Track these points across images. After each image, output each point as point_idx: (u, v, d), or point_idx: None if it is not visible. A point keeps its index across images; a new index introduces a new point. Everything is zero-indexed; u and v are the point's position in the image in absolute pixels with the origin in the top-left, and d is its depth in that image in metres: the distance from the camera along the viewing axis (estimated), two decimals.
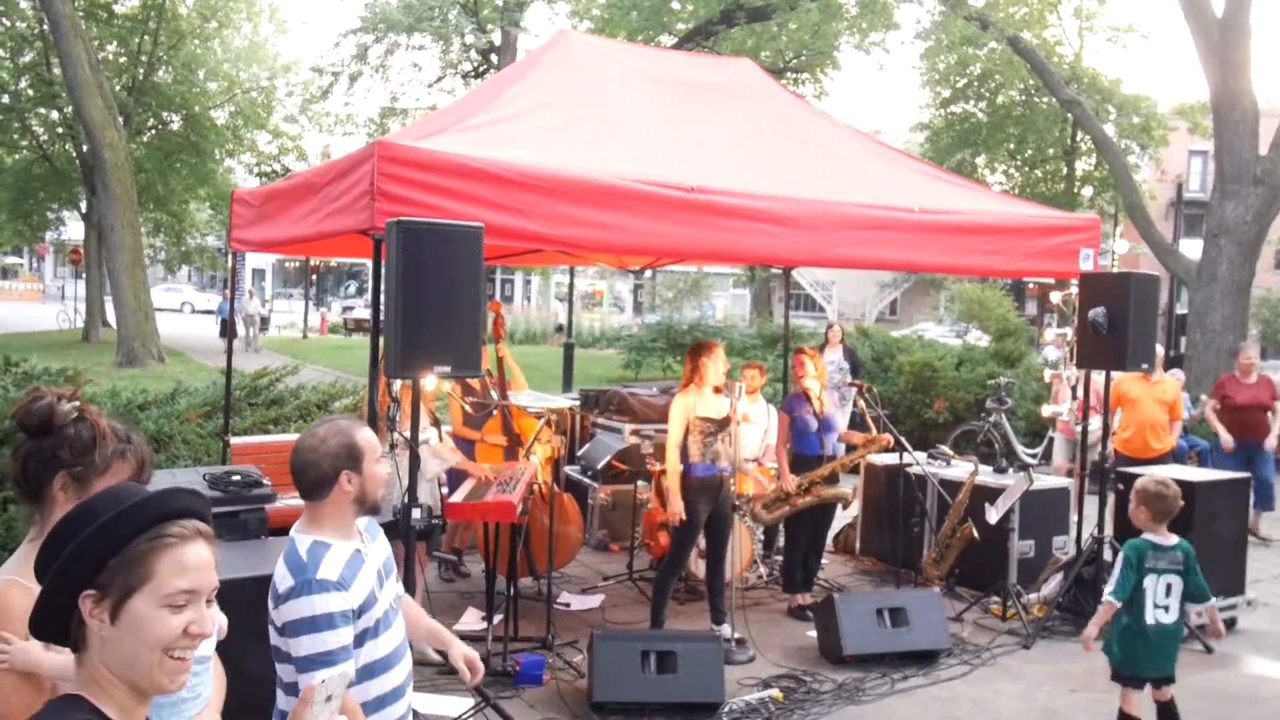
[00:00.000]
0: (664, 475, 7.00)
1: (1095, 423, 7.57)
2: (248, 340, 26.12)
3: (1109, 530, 6.70)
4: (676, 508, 5.82)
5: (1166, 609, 4.51)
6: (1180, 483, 6.57)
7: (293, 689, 2.58)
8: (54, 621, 1.58)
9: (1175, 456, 10.99)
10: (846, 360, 11.63)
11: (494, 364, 6.78)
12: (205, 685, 2.36)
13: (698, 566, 6.61)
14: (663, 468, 7.07)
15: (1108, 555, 6.67)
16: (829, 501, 6.63)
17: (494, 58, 22.35)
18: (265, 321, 28.73)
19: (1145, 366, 6.68)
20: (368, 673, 2.59)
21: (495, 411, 6.83)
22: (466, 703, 4.74)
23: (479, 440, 6.73)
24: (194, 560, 1.60)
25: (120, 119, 20.85)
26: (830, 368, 11.45)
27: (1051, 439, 11.94)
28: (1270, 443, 9.19)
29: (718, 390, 5.95)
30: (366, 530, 2.77)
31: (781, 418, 6.73)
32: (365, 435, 2.69)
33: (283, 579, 2.53)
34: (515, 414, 6.82)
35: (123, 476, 2.16)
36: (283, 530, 2.76)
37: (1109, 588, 4.52)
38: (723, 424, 5.91)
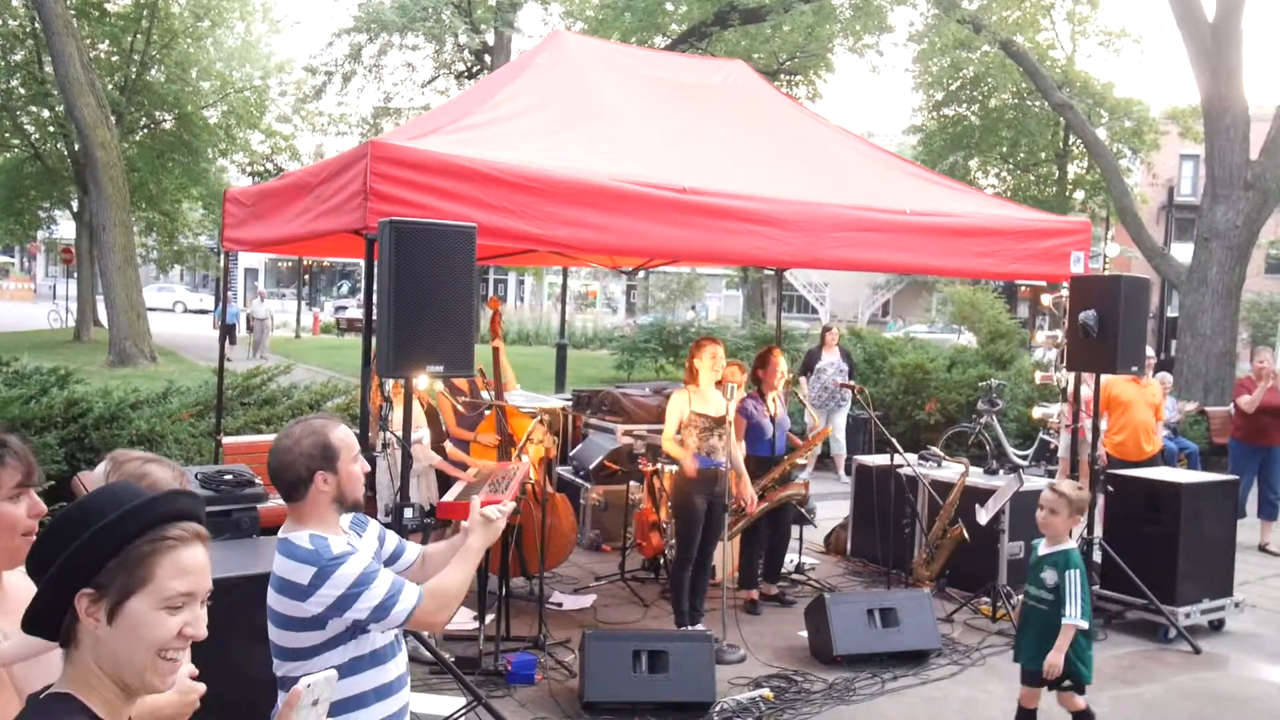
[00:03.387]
0: (656, 476, 7.04)
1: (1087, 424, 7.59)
2: (255, 345, 25.31)
3: (1099, 531, 6.74)
4: (748, 494, 6.35)
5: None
6: (1168, 484, 6.68)
7: (294, 683, 2.59)
8: (48, 618, 1.59)
9: (1165, 459, 11.06)
10: (845, 362, 11.67)
11: (489, 361, 6.79)
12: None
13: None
14: (655, 468, 7.11)
15: (1097, 556, 6.72)
16: (784, 503, 6.78)
17: (487, 58, 22.35)
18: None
19: (1134, 369, 6.71)
20: (370, 661, 2.61)
21: (488, 412, 6.84)
22: (458, 701, 4.75)
23: (473, 440, 6.74)
24: (192, 563, 1.61)
25: (112, 118, 20.78)
26: (830, 369, 11.51)
27: (1043, 440, 12.00)
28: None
29: (720, 384, 6.03)
30: (353, 526, 2.80)
31: (738, 420, 6.73)
32: (340, 434, 2.68)
33: (298, 573, 2.52)
34: (510, 414, 6.82)
35: (11, 483, 2.08)
36: (274, 530, 2.77)
37: (1075, 610, 4.33)
38: (719, 421, 5.99)
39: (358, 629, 2.56)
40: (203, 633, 1.63)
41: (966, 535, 6.70)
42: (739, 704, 5.10)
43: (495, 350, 6.77)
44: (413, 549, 2.94)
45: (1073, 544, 4.49)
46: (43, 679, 2.21)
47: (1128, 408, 8.28)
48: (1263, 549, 9.06)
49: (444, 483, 6.22)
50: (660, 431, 8.11)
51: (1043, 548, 4.54)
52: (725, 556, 6.39)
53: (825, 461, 12.18)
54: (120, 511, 1.59)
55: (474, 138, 5.26)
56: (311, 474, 2.61)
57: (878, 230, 5.93)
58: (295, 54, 60.43)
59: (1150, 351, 8.72)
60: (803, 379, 11.45)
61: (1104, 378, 7.97)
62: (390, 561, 2.84)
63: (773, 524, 6.91)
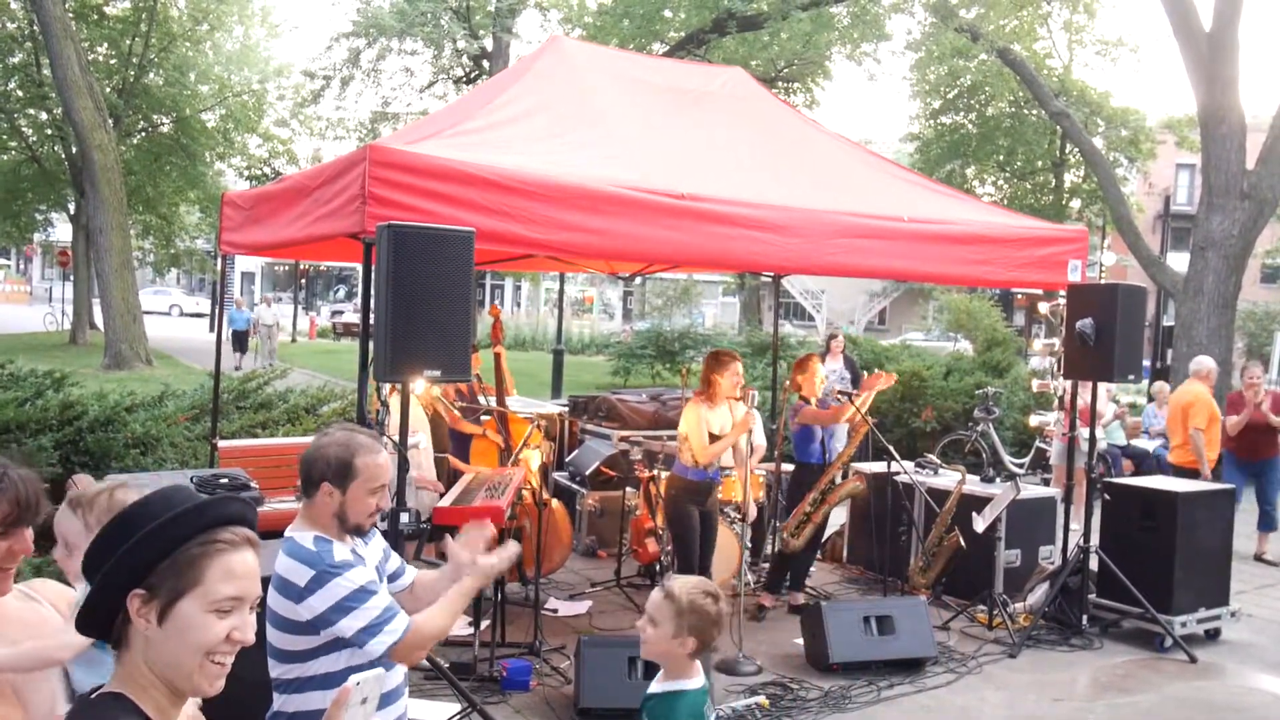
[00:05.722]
0: (653, 482, 7.03)
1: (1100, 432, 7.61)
2: (262, 351, 24.42)
3: (1095, 540, 6.74)
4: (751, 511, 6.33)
5: None
6: (1165, 493, 6.68)
7: (289, 685, 2.58)
8: (100, 618, 1.61)
9: (1161, 467, 11.07)
10: (847, 370, 11.70)
11: (491, 367, 6.81)
12: None
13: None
14: (651, 474, 7.10)
15: (1094, 565, 6.71)
16: (845, 499, 6.85)
17: (486, 64, 22.36)
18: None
19: (1130, 378, 6.70)
20: (368, 669, 2.59)
21: (485, 418, 6.84)
22: (453, 707, 4.73)
23: (479, 435, 6.75)
24: (242, 568, 1.63)
25: (110, 121, 20.75)
26: (832, 376, 11.54)
27: (1039, 449, 12.01)
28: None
29: (734, 398, 6.04)
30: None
31: (809, 412, 6.82)
32: (368, 461, 2.63)
33: (297, 574, 2.52)
34: (510, 419, 6.83)
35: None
36: (269, 535, 2.76)
37: None
38: (720, 439, 6.01)
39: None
40: (250, 638, 1.64)
41: (963, 543, 6.69)
42: (734, 711, 5.09)
43: (497, 356, 6.80)
44: (409, 574, 2.93)
45: (695, 680, 2.79)
46: (40, 691, 2.20)
47: (1218, 421, 8.59)
48: (1259, 559, 9.06)
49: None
50: (656, 437, 8.16)
51: (657, 680, 2.83)
52: (723, 561, 6.38)
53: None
54: (172, 514, 1.61)
55: (472, 142, 5.26)
56: (320, 481, 2.62)
57: (875, 237, 5.94)
58: (293, 58, 60.46)
59: (1212, 363, 8.98)
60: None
61: (1200, 392, 8.33)
62: (390, 579, 2.84)
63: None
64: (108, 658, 1.67)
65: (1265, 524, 9.16)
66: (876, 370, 7.04)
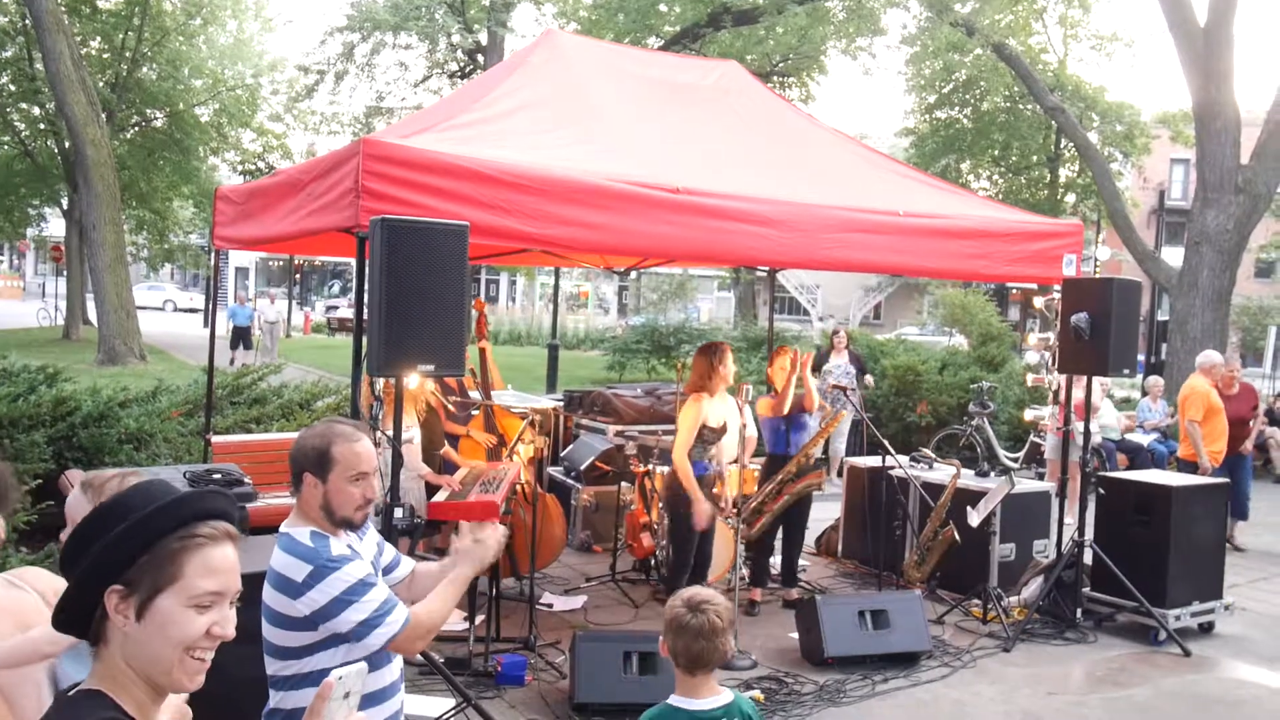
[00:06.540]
0: (647, 476, 7.03)
1: (1092, 424, 7.60)
2: (266, 349, 23.64)
3: (1089, 534, 6.75)
4: (703, 510, 5.91)
5: None
6: (1159, 487, 6.69)
7: (286, 683, 2.57)
8: (78, 615, 1.59)
9: (1155, 461, 11.10)
10: (853, 365, 11.70)
11: (476, 362, 6.79)
12: None
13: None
14: (646, 469, 7.10)
15: (1088, 559, 6.73)
16: (803, 494, 6.73)
17: (480, 58, 22.30)
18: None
19: (1125, 372, 6.71)
20: (366, 665, 2.58)
21: (475, 411, 6.83)
22: (448, 703, 4.73)
23: (464, 435, 6.73)
24: (221, 562, 1.61)
25: (103, 115, 20.66)
26: (838, 371, 11.55)
27: (1034, 443, 12.02)
28: (1245, 448, 9.23)
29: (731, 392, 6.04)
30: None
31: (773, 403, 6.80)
32: (345, 450, 2.60)
33: (294, 569, 2.50)
34: (498, 413, 6.82)
35: None
36: (263, 530, 2.75)
37: None
38: (721, 432, 6.01)
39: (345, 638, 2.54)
40: (231, 633, 1.62)
41: (957, 537, 6.70)
42: None
43: (482, 350, 6.79)
44: (405, 565, 2.92)
45: (699, 703, 2.82)
46: (27, 689, 2.19)
47: (1220, 414, 8.60)
48: (1226, 541, 9.10)
49: (432, 491, 6.21)
50: (652, 432, 8.15)
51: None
52: (719, 556, 6.38)
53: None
54: (151, 508, 1.59)
55: (467, 136, 5.24)
56: (301, 473, 2.61)
57: (871, 231, 5.93)
58: (287, 52, 60.40)
59: (1218, 357, 9.05)
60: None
61: (1198, 385, 8.36)
62: (385, 572, 2.82)
63: (786, 524, 6.86)
64: None
65: (1237, 512, 9.22)
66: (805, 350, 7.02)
